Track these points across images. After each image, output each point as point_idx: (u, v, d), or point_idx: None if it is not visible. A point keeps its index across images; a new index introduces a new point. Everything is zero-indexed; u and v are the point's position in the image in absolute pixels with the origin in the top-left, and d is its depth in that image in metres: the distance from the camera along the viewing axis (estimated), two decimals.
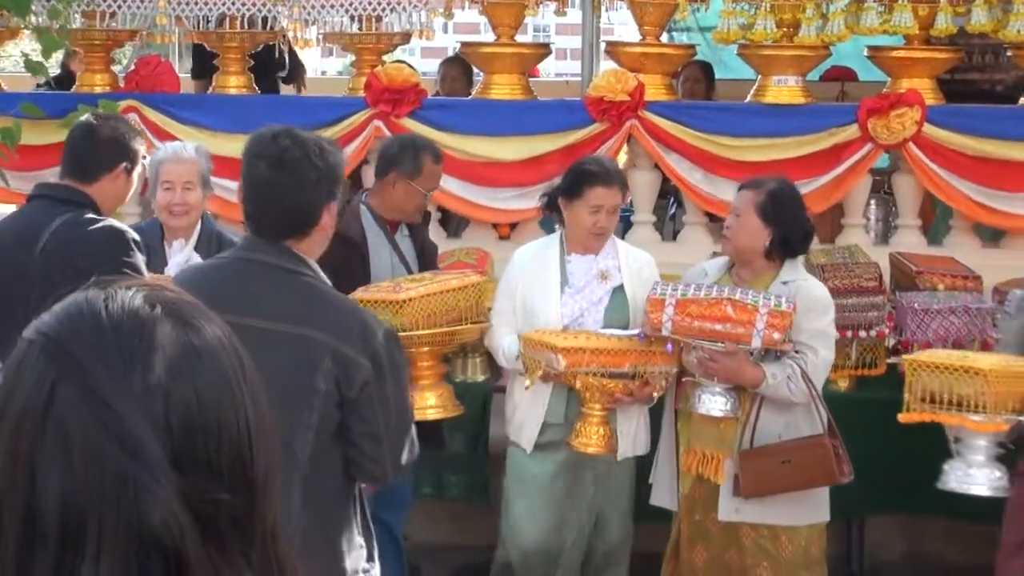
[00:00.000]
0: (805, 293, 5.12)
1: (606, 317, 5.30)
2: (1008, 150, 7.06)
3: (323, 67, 31.93)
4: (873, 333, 6.20)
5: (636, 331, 5.12)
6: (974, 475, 4.82)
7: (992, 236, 7.39)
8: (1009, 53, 7.53)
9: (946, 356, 4.92)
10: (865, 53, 7.71)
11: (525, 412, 5.35)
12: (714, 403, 5.01)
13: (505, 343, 5.35)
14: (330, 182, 3.59)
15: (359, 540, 3.69)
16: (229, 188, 7.29)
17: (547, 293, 5.31)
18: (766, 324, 4.86)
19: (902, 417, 4.88)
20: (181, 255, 5.36)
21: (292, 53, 8.79)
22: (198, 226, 5.52)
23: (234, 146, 7.23)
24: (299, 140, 3.60)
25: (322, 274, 3.65)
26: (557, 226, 5.49)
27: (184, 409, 1.35)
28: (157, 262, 5.30)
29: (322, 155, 3.58)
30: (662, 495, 5.39)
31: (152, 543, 1.30)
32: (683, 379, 5.16)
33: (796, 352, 5.03)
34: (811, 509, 5.17)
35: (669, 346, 5.07)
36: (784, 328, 4.89)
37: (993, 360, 4.86)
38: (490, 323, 5.35)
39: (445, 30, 10.28)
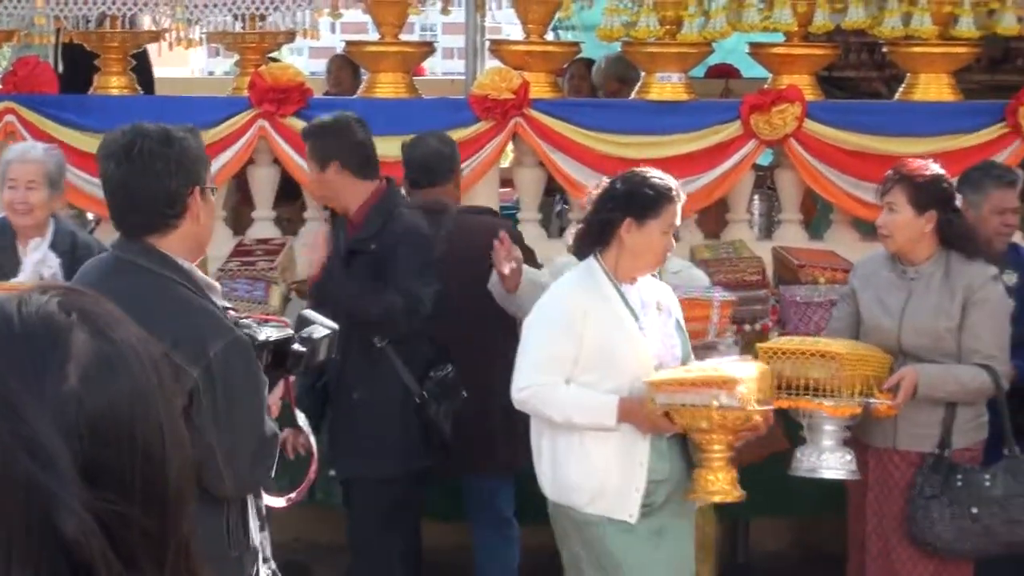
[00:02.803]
0: (699, 279, 5.25)
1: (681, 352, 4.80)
2: (885, 144, 7.19)
3: (210, 67, 31.69)
4: (757, 327, 6.29)
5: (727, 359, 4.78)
6: (825, 460, 4.90)
7: (871, 230, 7.50)
8: (884, 49, 7.66)
9: (799, 342, 5.01)
10: (746, 50, 7.81)
11: (618, 477, 4.60)
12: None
13: (571, 396, 4.59)
14: (185, 169, 3.52)
15: (229, 553, 3.58)
16: None
17: (626, 332, 4.63)
18: (720, 316, 4.96)
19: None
20: (36, 254, 5.41)
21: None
22: (51, 225, 5.55)
23: None
24: (144, 132, 3.54)
25: (196, 274, 3.56)
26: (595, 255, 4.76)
27: (97, 419, 1.32)
28: (8, 260, 5.31)
29: (170, 143, 3.51)
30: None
31: (62, 555, 1.27)
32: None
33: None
34: None
35: None
36: (730, 318, 5.09)
37: (846, 344, 4.97)
38: (529, 378, 4.63)
39: (333, 30, 10.26)
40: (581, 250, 4.73)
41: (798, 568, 6.85)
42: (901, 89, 7.56)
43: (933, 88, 7.36)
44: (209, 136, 7.14)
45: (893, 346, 5.07)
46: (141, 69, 8.05)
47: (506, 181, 7.79)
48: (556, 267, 5.33)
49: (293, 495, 3.92)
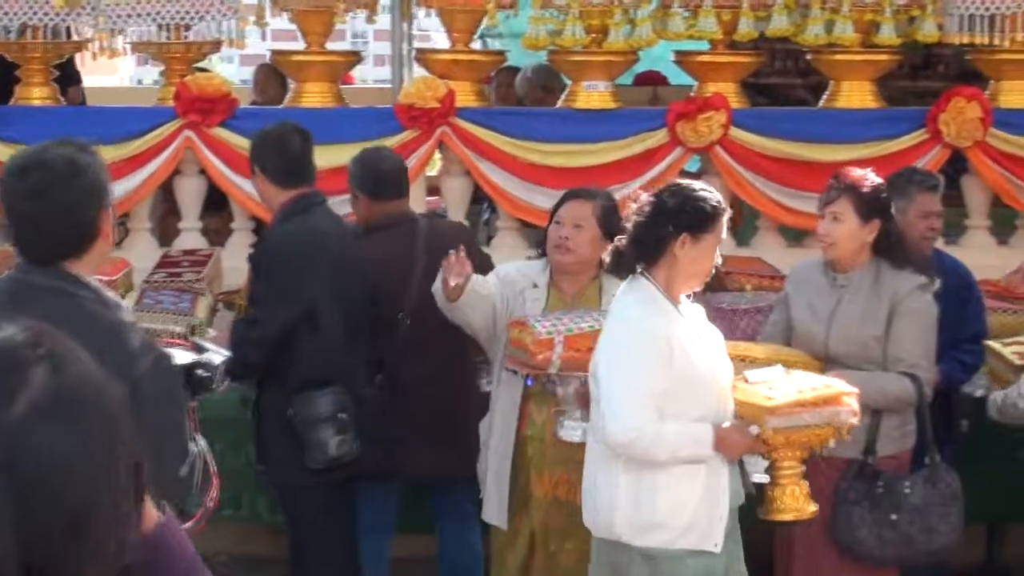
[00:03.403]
0: None
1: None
2: (810, 151, 7.28)
3: (139, 75, 31.43)
4: None
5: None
6: (754, 463, 4.92)
7: (797, 236, 7.58)
8: (808, 57, 7.73)
9: (731, 347, 5.02)
10: (672, 58, 7.86)
11: (707, 507, 4.40)
12: (579, 430, 4.76)
13: (674, 432, 4.32)
14: (96, 196, 3.45)
15: None
16: None
17: (702, 355, 4.40)
18: None
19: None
20: None
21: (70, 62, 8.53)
22: None
23: None
24: (47, 165, 3.41)
25: (105, 292, 3.51)
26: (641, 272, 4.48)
27: (35, 454, 1.32)
28: None
29: (77, 173, 3.41)
30: (490, 512, 5.28)
31: None
32: (553, 410, 4.95)
33: None
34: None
35: (530, 379, 5.01)
36: None
37: (767, 349, 5.05)
38: (634, 419, 4.32)
39: (264, 37, 10.21)
40: (624, 267, 4.50)
41: None
42: (825, 96, 7.63)
43: (856, 95, 7.44)
44: (135, 147, 7.13)
45: (820, 352, 5.10)
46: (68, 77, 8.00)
47: (433, 189, 7.79)
48: (503, 276, 5.28)
49: (190, 523, 3.71)
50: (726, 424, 4.38)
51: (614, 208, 5.17)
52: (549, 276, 5.23)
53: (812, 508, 4.52)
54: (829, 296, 5.18)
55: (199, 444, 3.77)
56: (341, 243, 5.54)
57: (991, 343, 5.79)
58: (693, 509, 4.37)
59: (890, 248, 5.13)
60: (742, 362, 4.80)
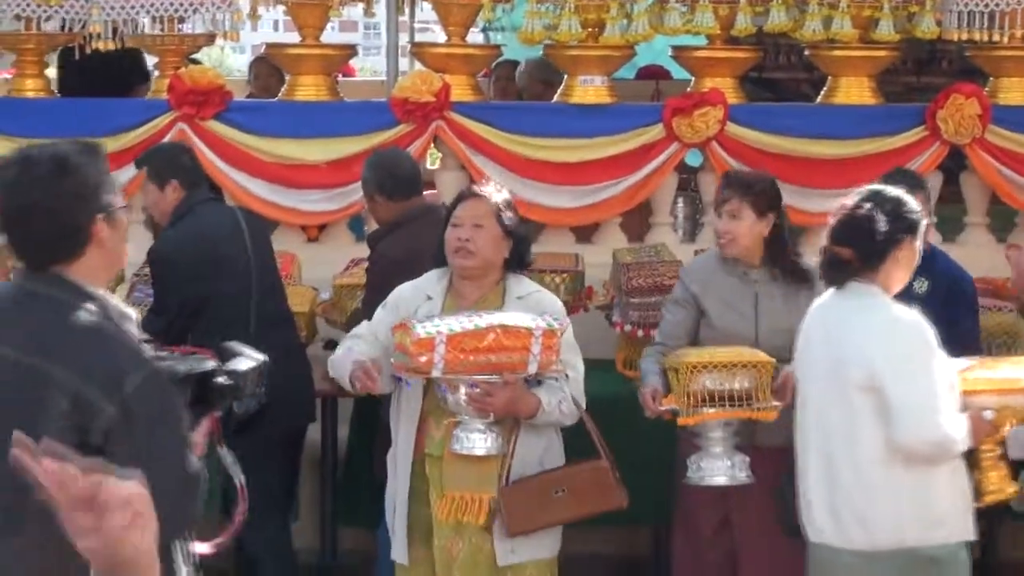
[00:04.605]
0: (549, 306, 4.80)
1: None
2: (807, 147, 7.23)
3: None
4: None
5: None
6: (714, 467, 4.96)
7: (796, 232, 7.51)
8: (806, 52, 7.68)
9: (709, 354, 5.02)
10: (669, 53, 7.81)
11: (967, 497, 4.44)
12: (476, 441, 4.62)
13: (963, 426, 4.32)
14: (84, 199, 3.24)
15: None
16: None
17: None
18: (542, 347, 4.56)
19: (681, 420, 4.95)
20: None
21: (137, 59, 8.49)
22: None
23: None
24: (32, 162, 3.25)
25: (110, 303, 3.31)
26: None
27: None
28: None
29: (63, 173, 3.24)
30: (395, 549, 4.87)
31: None
32: (448, 421, 4.68)
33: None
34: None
35: (408, 384, 4.71)
36: (557, 349, 4.62)
37: (732, 352, 5.05)
38: (947, 421, 4.30)
39: (276, 27, 10.17)
40: (842, 276, 4.45)
41: None
42: (823, 92, 7.58)
43: (854, 91, 7.39)
44: (129, 139, 7.10)
45: (751, 347, 5.18)
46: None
47: (428, 183, 7.75)
48: (392, 303, 5.04)
49: (219, 539, 3.66)
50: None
51: (511, 203, 4.91)
52: (448, 283, 4.88)
53: (1011, 490, 4.55)
54: (745, 292, 5.29)
55: (224, 457, 3.65)
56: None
57: None
58: (964, 500, 4.42)
59: (778, 240, 5.33)
60: (744, 368, 4.97)
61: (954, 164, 7.49)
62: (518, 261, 4.85)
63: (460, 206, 4.90)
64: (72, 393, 3.10)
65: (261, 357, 3.70)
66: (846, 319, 4.44)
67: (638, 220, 7.48)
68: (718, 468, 4.94)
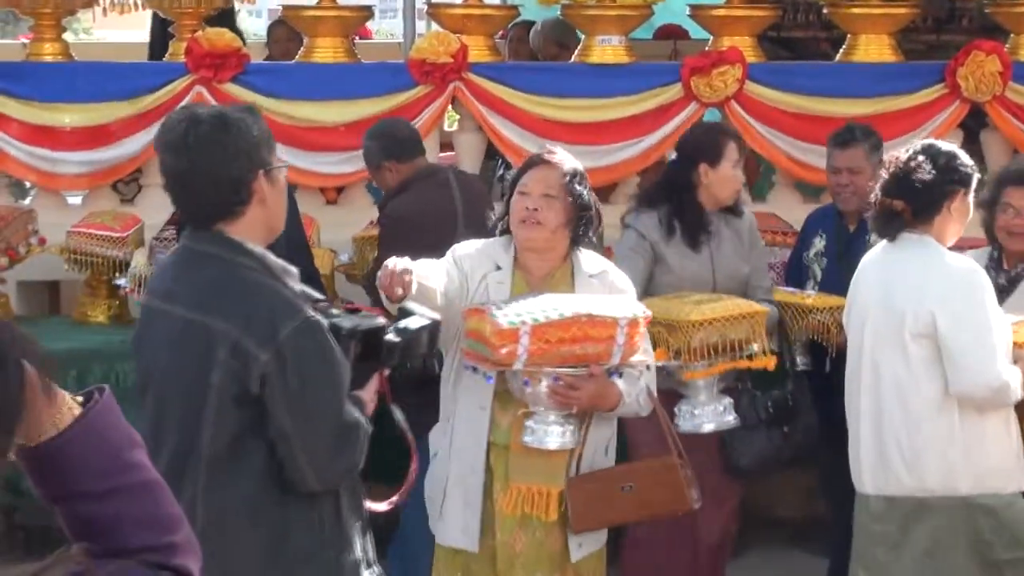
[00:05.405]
0: (622, 285, 4.52)
1: None
2: (826, 106, 7.19)
3: None
4: None
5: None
6: (700, 414, 5.02)
7: (814, 192, 7.50)
8: (825, 10, 7.63)
9: (723, 307, 5.07)
10: (687, 12, 7.78)
11: (1019, 447, 4.53)
12: (550, 434, 4.29)
13: (1016, 370, 4.43)
14: (245, 153, 3.36)
15: (323, 552, 3.43)
16: (49, 158, 7.16)
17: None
18: (627, 337, 4.26)
19: (688, 375, 5.00)
20: None
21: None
22: None
23: (52, 115, 7.12)
24: (198, 119, 3.37)
25: (270, 259, 3.41)
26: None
27: None
28: None
29: (226, 128, 3.35)
30: (453, 533, 4.46)
31: None
32: (520, 412, 4.34)
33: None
34: None
35: (490, 377, 4.31)
36: (641, 338, 4.35)
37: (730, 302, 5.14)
38: (1001, 366, 4.36)
39: None
40: (895, 227, 4.47)
41: None
42: (842, 50, 7.54)
43: (874, 49, 7.35)
44: (147, 102, 7.10)
45: (710, 292, 5.29)
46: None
47: (445, 145, 7.75)
48: (460, 257, 4.70)
49: (395, 498, 3.73)
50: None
51: (583, 174, 4.52)
52: (513, 256, 4.46)
53: None
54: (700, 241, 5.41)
55: (394, 414, 3.68)
56: None
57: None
58: (1017, 451, 4.47)
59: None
60: (742, 319, 5.03)
61: (974, 122, 7.46)
62: (585, 235, 4.46)
63: (529, 173, 4.45)
64: (232, 342, 3.27)
65: (435, 316, 3.71)
66: (901, 269, 4.45)
67: (656, 180, 7.45)
68: (709, 414, 5.02)
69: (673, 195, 5.40)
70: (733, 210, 5.48)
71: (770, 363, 5.04)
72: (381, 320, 3.58)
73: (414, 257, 4.23)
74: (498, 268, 4.42)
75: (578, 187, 4.41)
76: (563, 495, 4.37)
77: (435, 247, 5.07)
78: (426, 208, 5.67)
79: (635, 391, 4.37)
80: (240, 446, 3.34)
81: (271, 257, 3.42)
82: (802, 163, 7.22)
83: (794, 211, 7.05)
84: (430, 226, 5.55)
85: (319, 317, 3.38)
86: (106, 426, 1.90)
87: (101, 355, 6.03)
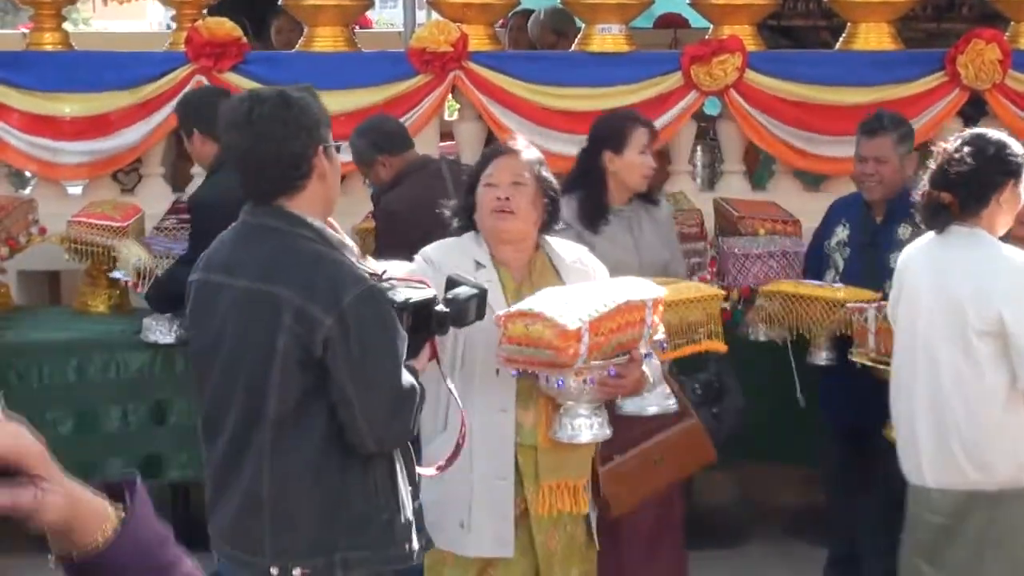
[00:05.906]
0: (595, 265, 4.41)
1: None
2: (825, 94, 7.19)
3: (168, 19, 31.39)
4: (695, 279, 6.27)
5: None
6: (647, 396, 4.71)
7: (815, 181, 7.51)
8: None
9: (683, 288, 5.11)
10: (687, 1, 7.77)
11: None
12: (582, 427, 4.15)
13: None
14: (306, 130, 3.51)
15: (377, 514, 3.58)
16: (50, 148, 7.16)
17: None
18: (652, 318, 4.16)
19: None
20: None
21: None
22: None
23: (52, 105, 7.12)
24: (261, 98, 3.54)
25: (327, 232, 3.57)
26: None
27: None
28: None
29: (288, 105, 3.50)
30: (484, 544, 4.21)
31: None
32: (561, 407, 4.14)
33: None
34: None
35: (516, 371, 4.08)
36: (660, 317, 4.25)
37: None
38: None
39: None
40: (943, 220, 4.39)
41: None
42: (842, 38, 7.54)
43: (873, 37, 7.35)
44: (148, 92, 7.11)
45: None
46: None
47: (445, 134, 7.75)
48: (435, 262, 4.62)
49: (443, 463, 3.78)
50: None
51: (544, 161, 4.38)
52: (488, 252, 4.28)
53: None
54: (622, 226, 5.40)
55: (448, 383, 3.82)
56: None
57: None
58: None
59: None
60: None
61: (974, 110, 7.46)
62: (554, 220, 4.31)
63: (493, 164, 4.29)
64: (296, 308, 3.43)
65: (482, 286, 3.84)
66: (956, 264, 4.37)
67: (656, 168, 7.45)
68: (655, 396, 4.70)
69: (583, 182, 5.41)
70: (652, 199, 5.53)
71: (722, 346, 5.00)
72: (432, 291, 3.69)
73: (410, 251, 4.28)
74: (480, 266, 4.22)
75: (544, 172, 4.28)
76: (586, 486, 4.30)
77: (431, 239, 5.09)
78: (420, 201, 5.62)
79: (651, 368, 4.26)
80: (303, 410, 3.51)
81: (329, 231, 3.59)
82: (802, 152, 7.22)
83: (793, 200, 7.07)
84: (425, 219, 5.54)
85: (380, 285, 3.56)
86: (145, 528, 1.83)
87: (102, 345, 6.02)
